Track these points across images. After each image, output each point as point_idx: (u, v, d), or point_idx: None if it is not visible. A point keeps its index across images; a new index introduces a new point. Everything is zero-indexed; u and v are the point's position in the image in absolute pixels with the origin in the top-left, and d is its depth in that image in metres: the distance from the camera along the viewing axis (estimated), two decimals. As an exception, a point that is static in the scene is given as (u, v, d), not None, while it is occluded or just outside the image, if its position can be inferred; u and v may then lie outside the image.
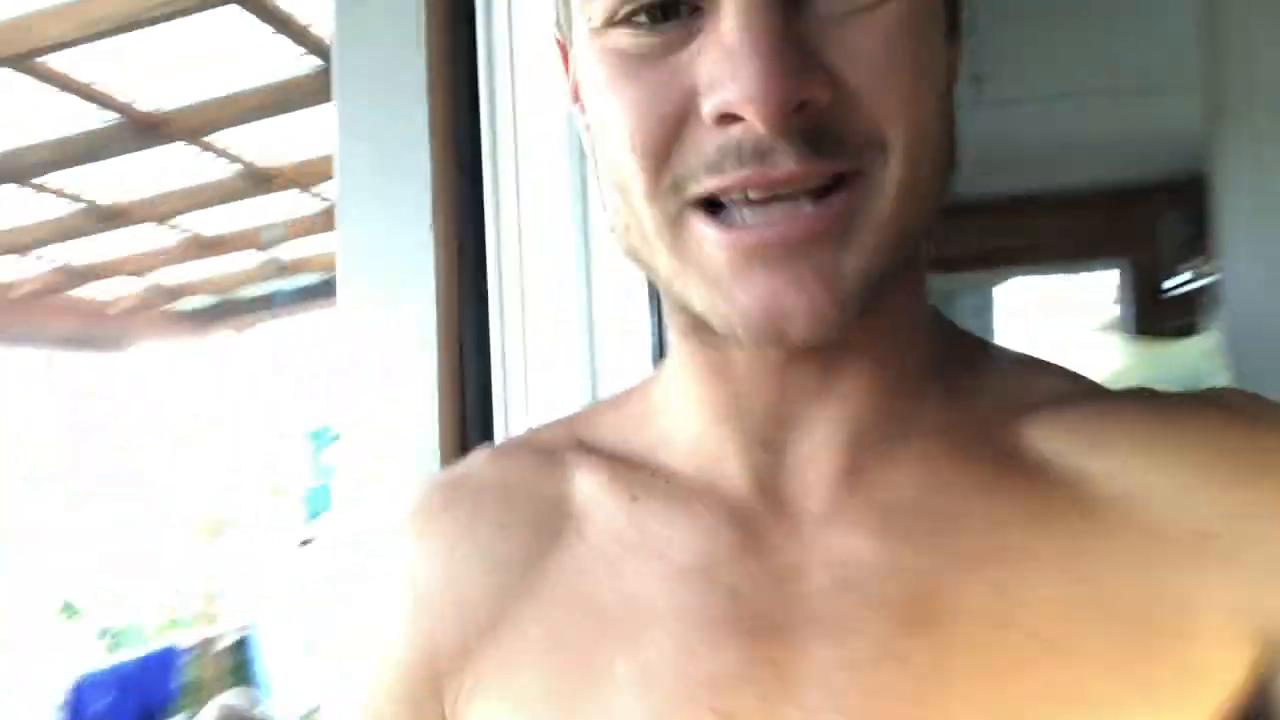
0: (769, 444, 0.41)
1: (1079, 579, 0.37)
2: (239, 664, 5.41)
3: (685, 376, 0.43)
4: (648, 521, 0.42)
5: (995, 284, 4.19)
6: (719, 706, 0.37)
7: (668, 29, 0.36)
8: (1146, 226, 3.67)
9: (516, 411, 0.68)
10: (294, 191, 4.02)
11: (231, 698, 3.32)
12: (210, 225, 4.33)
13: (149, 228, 4.14)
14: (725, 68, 0.34)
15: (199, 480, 5.66)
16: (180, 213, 4.06)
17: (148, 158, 3.32)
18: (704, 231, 0.37)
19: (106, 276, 4.56)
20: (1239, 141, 1.30)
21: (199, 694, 5.11)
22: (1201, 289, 3.35)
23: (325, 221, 4.38)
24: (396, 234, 0.74)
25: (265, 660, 5.42)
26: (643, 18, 0.36)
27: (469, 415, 0.72)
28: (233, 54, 2.80)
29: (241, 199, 3.94)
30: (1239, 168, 1.29)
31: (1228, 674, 0.36)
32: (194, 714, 5.08)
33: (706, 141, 0.36)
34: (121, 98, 2.91)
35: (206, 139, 3.32)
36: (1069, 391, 0.43)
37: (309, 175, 3.83)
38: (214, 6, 2.38)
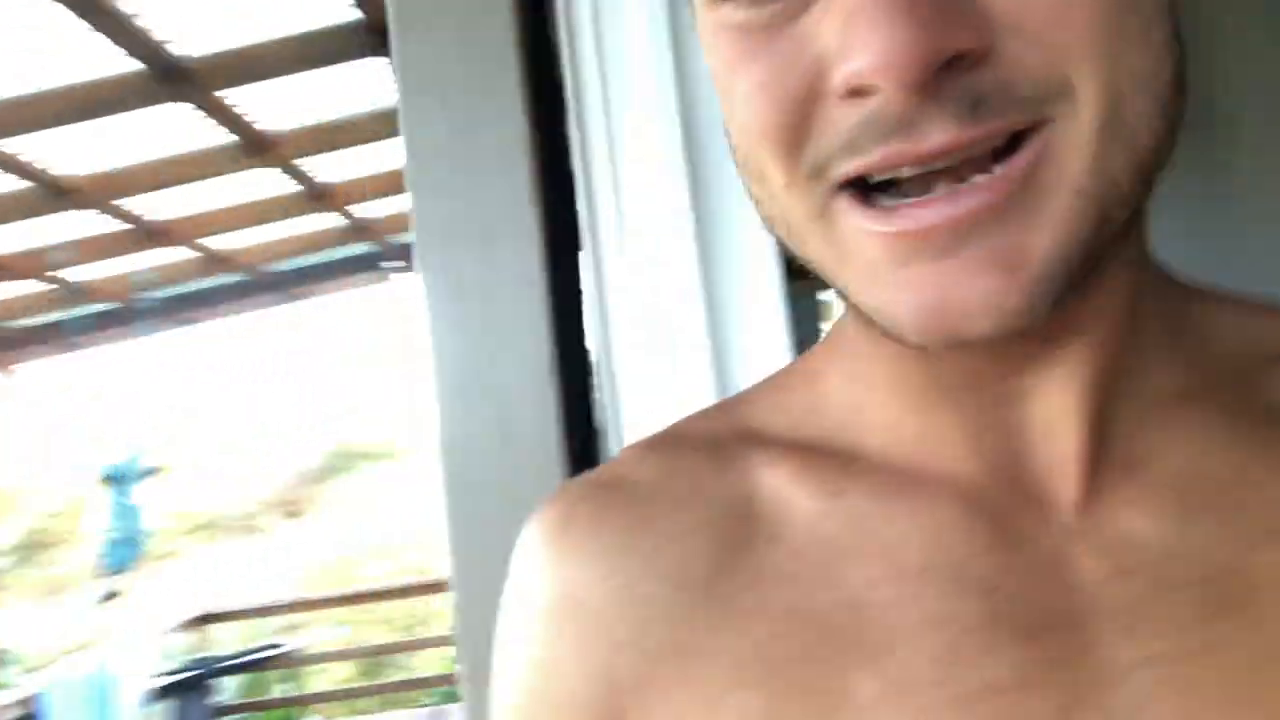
0: (993, 427, 0.36)
1: None
2: (28, 734, 4.85)
3: (871, 360, 0.38)
4: (860, 519, 0.37)
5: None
6: (1009, 717, 0.33)
7: None
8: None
9: (633, 408, 0.64)
10: (92, 211, 3.66)
11: None
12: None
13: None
14: (851, 30, 0.29)
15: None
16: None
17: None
18: (854, 220, 0.32)
19: None
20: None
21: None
22: None
23: (125, 241, 4.03)
24: (490, 206, 0.69)
25: (59, 726, 4.89)
26: None
27: (588, 414, 0.68)
28: (38, 48, 2.53)
29: (31, 216, 3.55)
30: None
31: None
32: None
33: (842, 118, 0.30)
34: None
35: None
36: None
37: (112, 189, 3.51)
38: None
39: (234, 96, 3.01)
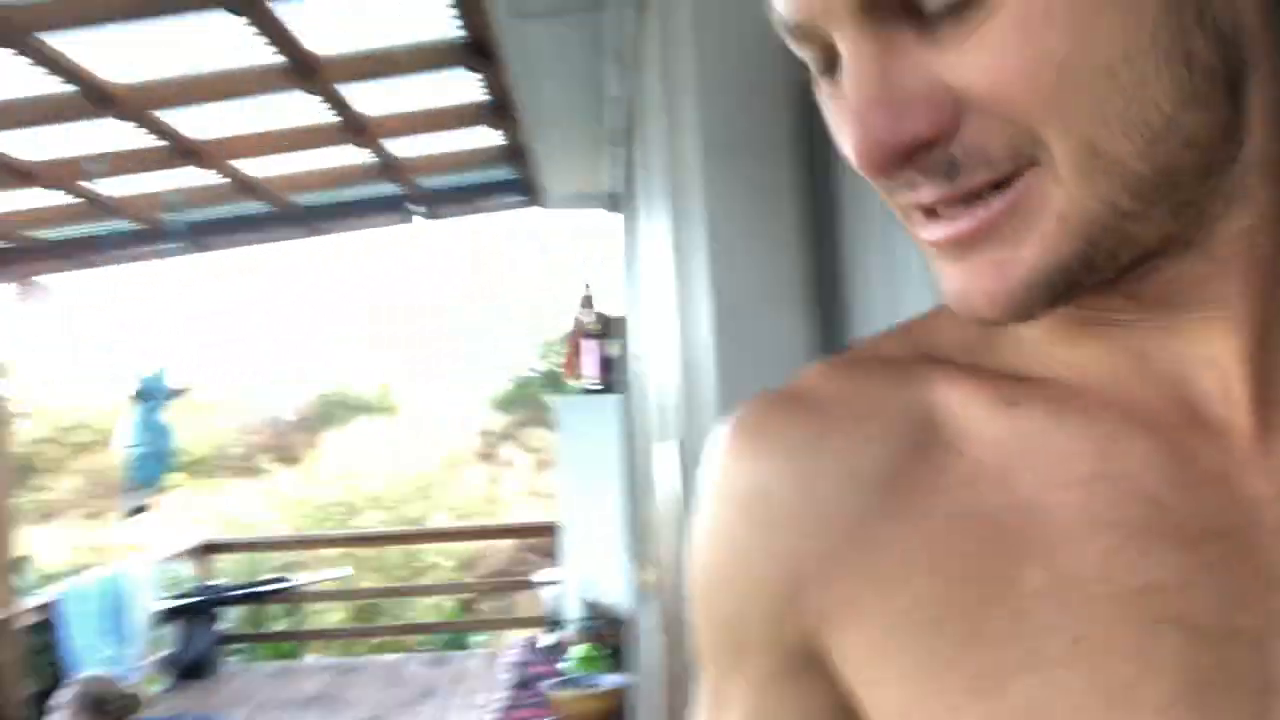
0: (1152, 359, 0.39)
1: None
2: (42, 644, 4.91)
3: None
4: (1033, 429, 0.40)
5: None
6: (1171, 609, 0.36)
7: (837, 80, 0.37)
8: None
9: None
10: (129, 124, 3.63)
11: (91, 677, 3.15)
12: (19, 150, 3.84)
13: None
14: (844, 125, 0.37)
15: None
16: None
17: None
18: (915, 226, 0.38)
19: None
20: None
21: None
22: None
23: (158, 158, 4.01)
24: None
25: (69, 637, 4.95)
26: (824, 72, 0.38)
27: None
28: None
29: (69, 120, 3.53)
30: None
31: None
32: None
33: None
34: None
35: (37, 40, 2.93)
36: None
37: (152, 100, 3.48)
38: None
39: (286, 13, 2.99)
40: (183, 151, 3.89)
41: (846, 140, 0.36)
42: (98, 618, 5.19)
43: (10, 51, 2.92)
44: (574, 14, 2.63)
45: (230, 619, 6.67)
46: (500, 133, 4.18)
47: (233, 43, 3.18)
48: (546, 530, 7.68)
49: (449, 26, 3.22)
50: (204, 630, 6.22)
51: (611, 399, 3.91)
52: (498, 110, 3.83)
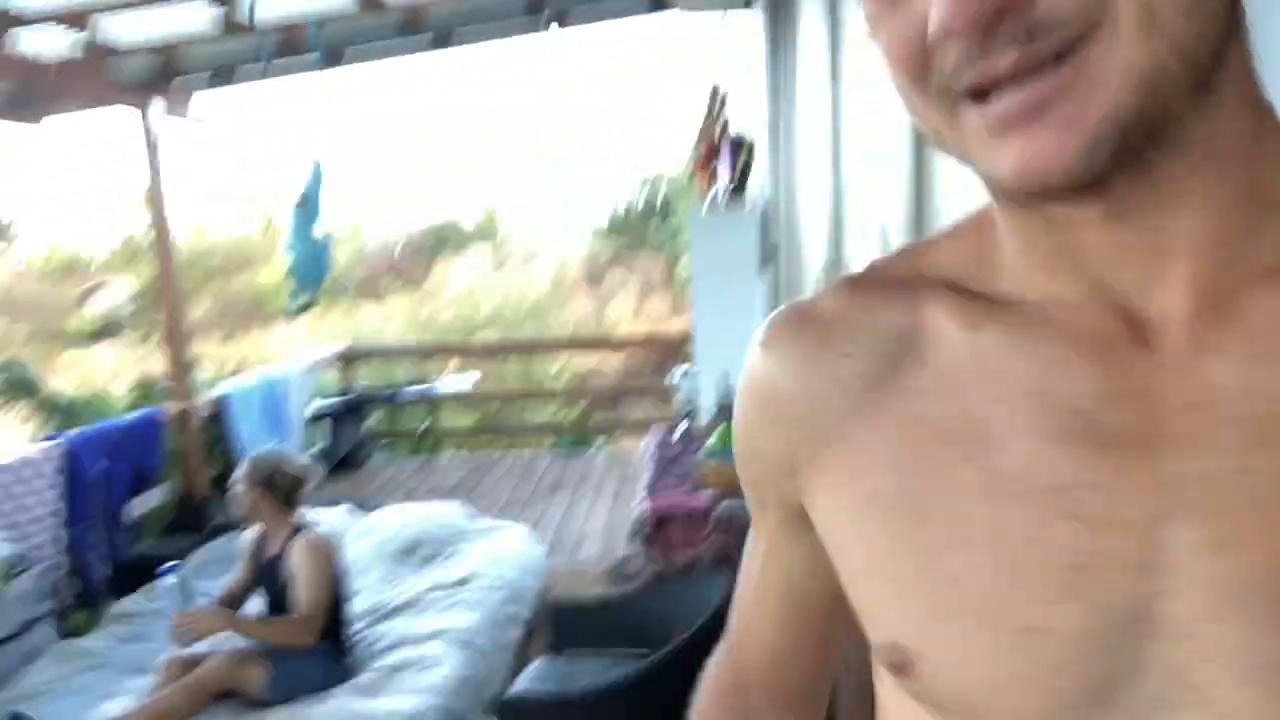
0: (1108, 281, 0.44)
1: None
2: (217, 434, 5.44)
3: (1010, 227, 0.47)
4: (988, 349, 0.46)
5: None
6: (1067, 509, 0.42)
7: None
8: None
9: None
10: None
11: (263, 453, 3.33)
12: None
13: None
14: None
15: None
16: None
17: None
18: (972, 114, 0.41)
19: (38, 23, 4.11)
20: None
21: (180, 463, 5.16)
22: None
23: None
24: None
25: (236, 431, 5.46)
26: None
27: None
28: None
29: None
30: None
31: None
32: (176, 483, 5.14)
33: (946, 55, 0.41)
34: None
35: None
36: None
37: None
38: None
39: None
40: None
41: (935, 11, 0.39)
42: (260, 414, 5.69)
43: None
44: None
45: (372, 420, 7.20)
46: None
47: None
48: (673, 340, 7.92)
49: None
50: (352, 429, 6.76)
51: (745, 208, 3.97)
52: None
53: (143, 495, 4.66)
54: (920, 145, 1.56)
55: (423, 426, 7.48)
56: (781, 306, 0.57)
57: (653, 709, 2.37)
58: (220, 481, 5.41)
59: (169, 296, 5.10)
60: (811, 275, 2.05)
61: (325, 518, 4.49)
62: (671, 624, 2.74)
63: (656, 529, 2.84)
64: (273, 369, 6.21)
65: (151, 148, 4.80)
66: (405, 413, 7.61)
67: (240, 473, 3.17)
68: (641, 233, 19.28)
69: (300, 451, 6.10)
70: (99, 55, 4.25)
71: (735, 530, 2.83)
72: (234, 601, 3.21)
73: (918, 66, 0.42)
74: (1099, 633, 0.42)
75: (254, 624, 3.10)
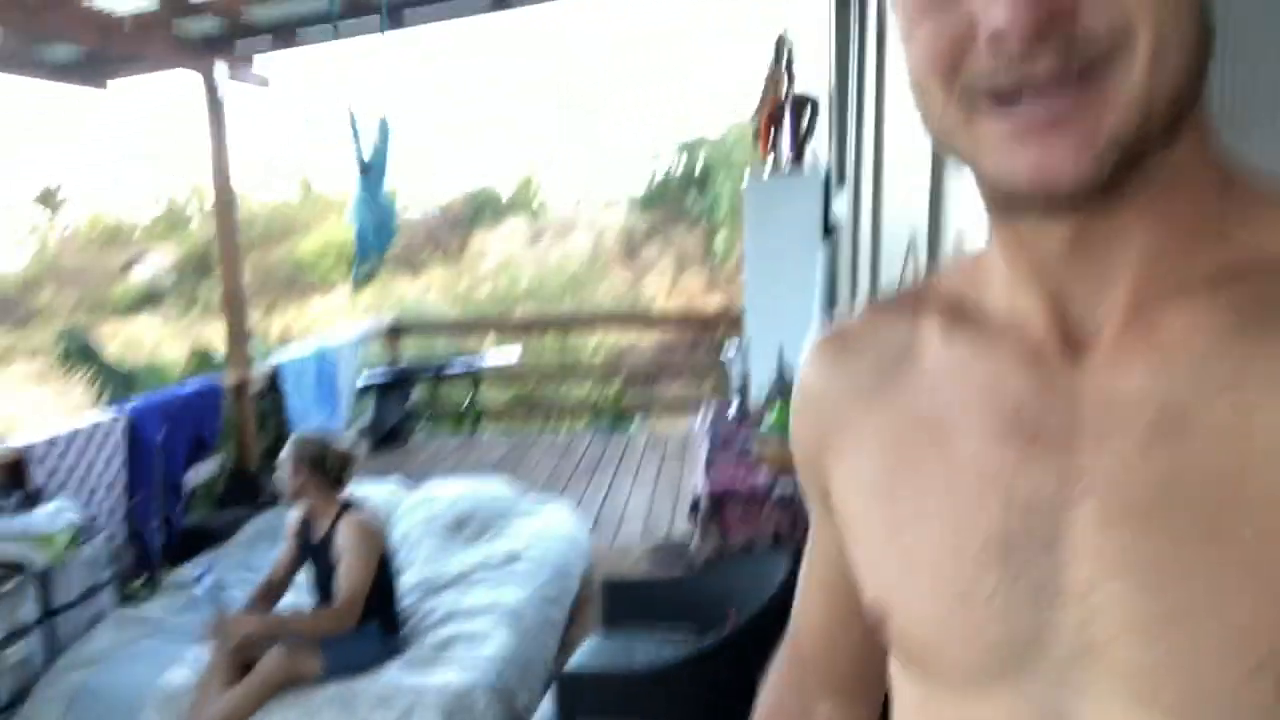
0: (1062, 295, 0.51)
1: None
2: (270, 405, 5.51)
3: (997, 242, 0.54)
4: (960, 357, 0.55)
5: None
6: (999, 494, 0.50)
7: None
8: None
9: None
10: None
11: (307, 435, 3.33)
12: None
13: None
14: (991, 2, 0.44)
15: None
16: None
17: None
18: (991, 118, 0.46)
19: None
20: None
21: (234, 434, 5.24)
22: None
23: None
24: None
25: (290, 402, 5.53)
26: None
27: None
28: None
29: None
30: None
31: None
32: (229, 454, 5.23)
33: (985, 56, 0.45)
34: None
35: None
36: None
37: None
38: None
39: None
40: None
41: (995, 13, 0.44)
42: (313, 386, 5.75)
43: None
44: None
45: (415, 394, 7.25)
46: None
47: None
48: (714, 317, 7.87)
49: None
50: (397, 403, 6.81)
51: (806, 177, 3.90)
52: None
53: (198, 465, 4.74)
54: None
55: (467, 401, 7.52)
56: (827, 326, 0.68)
57: (713, 687, 2.38)
58: (272, 454, 5.49)
59: (229, 267, 5.15)
60: (897, 248, 2.02)
61: (374, 492, 4.56)
62: (725, 604, 2.74)
63: (715, 508, 2.83)
64: (324, 340, 6.26)
65: (215, 111, 4.83)
66: (446, 388, 7.67)
67: (287, 453, 3.17)
68: (679, 204, 19.17)
69: (347, 425, 6.18)
70: (167, 13, 4.28)
71: (794, 508, 2.82)
72: (278, 585, 3.22)
73: (950, 66, 0.47)
74: (1015, 600, 0.49)
75: (290, 622, 3.09)
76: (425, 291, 16.21)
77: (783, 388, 3.46)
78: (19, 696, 3.16)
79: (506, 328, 9.22)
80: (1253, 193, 0.51)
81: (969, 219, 1.34)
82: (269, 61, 5.18)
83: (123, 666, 3.23)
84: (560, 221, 20.89)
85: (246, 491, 5.07)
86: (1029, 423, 0.50)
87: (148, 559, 4.26)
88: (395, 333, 7.40)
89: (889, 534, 0.56)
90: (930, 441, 0.54)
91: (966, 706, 0.53)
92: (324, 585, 3.15)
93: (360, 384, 6.49)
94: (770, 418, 3.20)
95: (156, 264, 23.80)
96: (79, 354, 6.38)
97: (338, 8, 4.04)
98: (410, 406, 7.01)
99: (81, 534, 3.51)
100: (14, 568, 3.22)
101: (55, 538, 3.33)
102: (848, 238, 2.64)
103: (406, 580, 3.85)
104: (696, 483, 3.02)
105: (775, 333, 3.86)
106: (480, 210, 20.63)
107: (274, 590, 3.23)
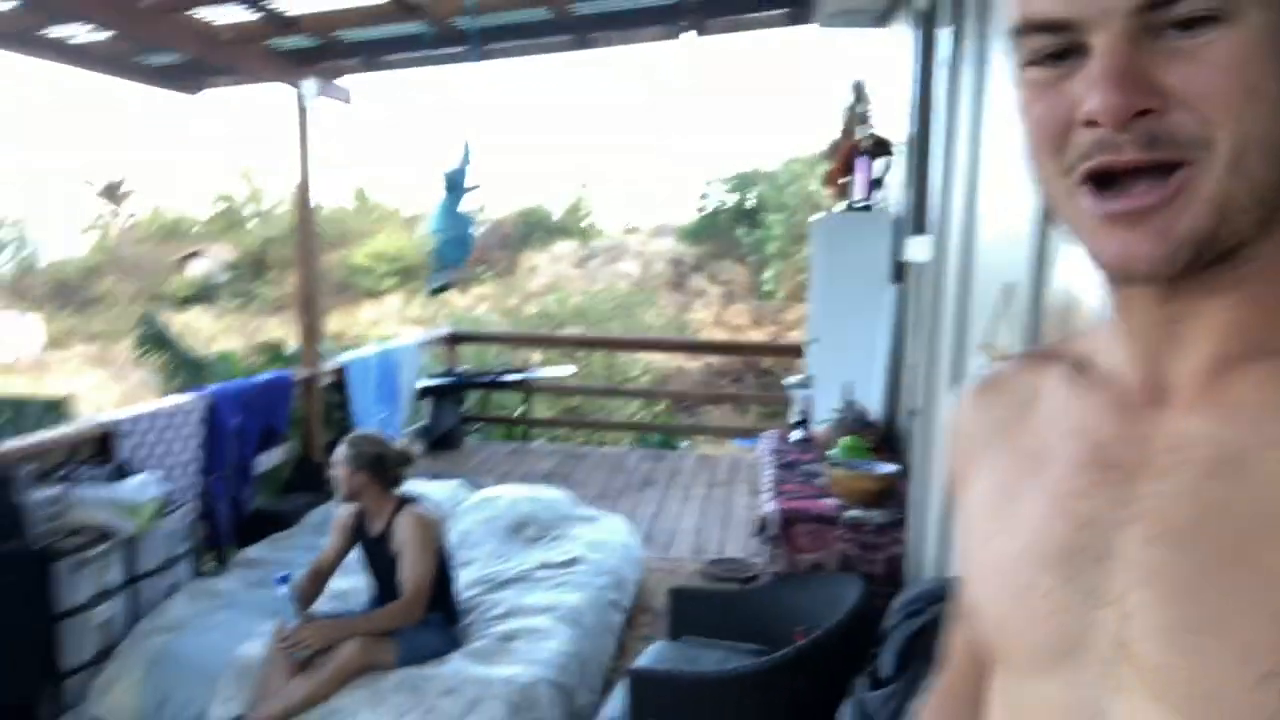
0: (1153, 354, 0.58)
1: None
2: (335, 402, 5.69)
3: (1111, 303, 0.62)
4: (1065, 399, 0.63)
5: None
6: (1068, 511, 0.58)
7: (1061, 66, 0.54)
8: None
9: None
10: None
11: (365, 434, 3.42)
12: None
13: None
14: (1090, 88, 0.51)
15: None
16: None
17: None
18: (1086, 200, 0.53)
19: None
20: None
21: (300, 426, 5.41)
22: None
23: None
24: None
25: (354, 399, 5.71)
26: (1048, 60, 0.54)
27: None
28: None
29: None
30: None
31: None
32: (295, 445, 5.40)
33: (1082, 139, 0.52)
34: None
35: None
36: None
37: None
38: None
39: None
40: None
41: (1091, 100, 0.51)
42: (376, 386, 5.93)
43: None
44: None
45: (468, 402, 7.42)
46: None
47: None
48: (786, 350, 7.94)
49: None
50: (452, 409, 6.98)
51: (877, 217, 4.02)
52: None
53: (267, 453, 4.91)
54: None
55: (519, 411, 7.67)
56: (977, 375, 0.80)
57: (778, 701, 2.47)
58: (333, 447, 5.67)
59: (304, 268, 5.36)
60: (988, 298, 2.11)
61: (436, 490, 4.70)
62: (791, 621, 2.83)
63: (785, 528, 2.93)
64: (388, 343, 6.45)
65: (302, 122, 5.05)
66: (496, 398, 7.82)
67: (342, 454, 3.22)
68: (728, 237, 19.34)
69: (405, 426, 6.34)
70: (264, 29, 4.50)
71: (862, 536, 2.91)
72: (322, 576, 3.33)
73: (1056, 144, 0.54)
74: (1066, 601, 0.56)
75: (364, 622, 3.17)
76: (476, 304, 16.46)
77: (853, 423, 3.57)
78: (104, 654, 3.32)
79: (563, 344, 9.40)
80: None
81: (1080, 279, 1.44)
82: (354, 78, 5.41)
83: (200, 635, 3.38)
84: (609, 245, 21.13)
85: (309, 480, 5.23)
86: (1107, 457, 0.57)
87: (217, 537, 4.42)
88: (454, 340, 7.59)
89: (983, 543, 0.65)
90: (1030, 471, 0.63)
91: (1025, 692, 0.60)
92: (385, 578, 3.25)
93: (419, 387, 6.66)
94: (836, 450, 3.30)
95: (211, 262, 24.39)
96: (154, 340, 6.63)
97: (431, 34, 4.23)
98: (464, 412, 7.18)
99: (166, 505, 3.68)
100: (105, 533, 3.39)
101: (143, 508, 3.49)
102: (929, 283, 2.74)
103: (468, 576, 3.97)
104: (764, 502, 3.12)
105: (839, 367, 3.96)
106: (532, 229, 20.93)
107: (321, 578, 3.34)
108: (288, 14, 4.36)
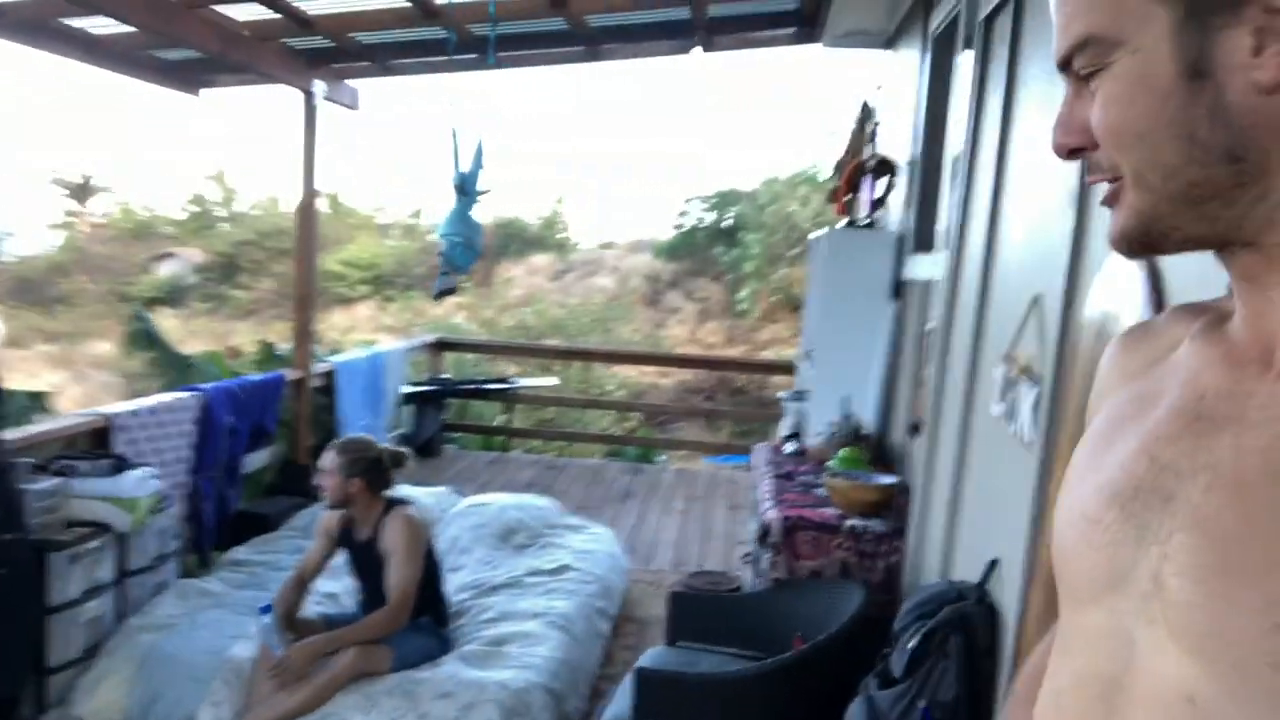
0: (1261, 318, 0.62)
1: None
2: (322, 405, 5.65)
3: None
4: (1187, 352, 0.66)
5: None
6: (1150, 452, 0.61)
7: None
8: None
9: None
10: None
11: (358, 439, 3.40)
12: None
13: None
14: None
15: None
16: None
17: None
18: None
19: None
20: None
21: (289, 427, 5.38)
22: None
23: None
24: None
25: (341, 402, 5.68)
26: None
27: None
28: None
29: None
30: None
31: None
32: (281, 447, 5.36)
33: None
34: None
35: None
36: None
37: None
38: None
39: None
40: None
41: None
42: (363, 390, 5.91)
43: None
44: None
45: (451, 409, 7.39)
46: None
47: None
48: (771, 367, 7.98)
49: None
50: (434, 416, 6.96)
51: (881, 235, 4.09)
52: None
53: (255, 453, 4.88)
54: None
55: (501, 420, 7.66)
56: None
57: (779, 703, 2.51)
58: (318, 450, 5.63)
59: (303, 270, 5.34)
60: (1010, 307, 2.17)
61: (424, 496, 4.69)
62: (790, 626, 2.87)
63: (786, 535, 2.97)
64: (377, 347, 6.43)
65: (309, 125, 5.06)
66: (474, 407, 7.81)
67: (333, 462, 3.19)
68: (704, 255, 19.46)
69: (387, 432, 6.31)
70: (282, 27, 4.50)
71: (861, 545, 2.96)
72: (304, 582, 3.31)
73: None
74: (1122, 535, 0.59)
75: (351, 633, 3.14)
76: (452, 314, 16.40)
77: (849, 436, 3.63)
78: (90, 651, 3.27)
79: (548, 354, 9.40)
80: None
81: (1116, 291, 1.50)
82: (353, 83, 5.43)
83: (190, 633, 3.34)
84: (585, 260, 21.16)
85: (293, 484, 5.19)
86: (1202, 409, 0.59)
87: (201, 537, 4.38)
88: (440, 347, 7.58)
89: (1077, 481, 0.67)
90: (1136, 415, 0.65)
91: (1077, 620, 0.64)
92: (374, 582, 3.24)
93: (403, 393, 6.64)
94: (834, 461, 3.35)
95: (181, 264, 24.06)
96: (143, 338, 6.55)
97: (454, 40, 4.25)
98: (444, 420, 7.16)
99: (161, 503, 3.64)
100: (101, 527, 3.35)
101: (140, 503, 3.46)
102: (943, 299, 2.81)
103: (458, 580, 3.97)
104: (765, 510, 3.16)
105: (836, 382, 4.03)
106: (509, 241, 20.91)
107: (304, 585, 3.32)
108: (306, 12, 4.36)
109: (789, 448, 4.02)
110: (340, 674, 3.06)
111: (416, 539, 3.24)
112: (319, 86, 4.96)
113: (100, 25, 4.29)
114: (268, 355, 6.16)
